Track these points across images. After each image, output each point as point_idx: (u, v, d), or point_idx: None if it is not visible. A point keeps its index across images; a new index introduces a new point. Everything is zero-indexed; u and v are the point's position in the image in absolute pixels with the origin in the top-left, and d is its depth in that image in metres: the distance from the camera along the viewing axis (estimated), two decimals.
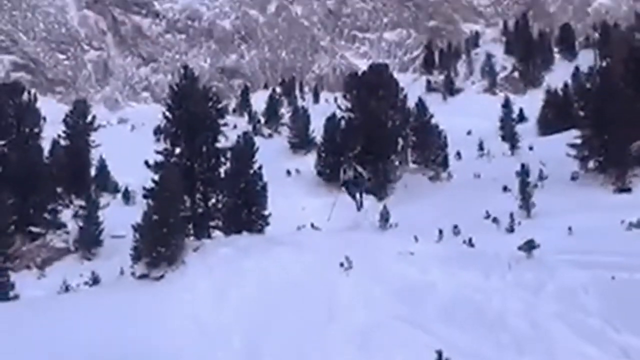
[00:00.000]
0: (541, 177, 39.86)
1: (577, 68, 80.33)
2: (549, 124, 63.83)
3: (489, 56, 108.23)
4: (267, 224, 24.99)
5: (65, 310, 17.68)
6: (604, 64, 52.43)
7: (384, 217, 38.16)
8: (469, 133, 70.07)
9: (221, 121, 26.82)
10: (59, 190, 42.57)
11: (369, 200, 32.49)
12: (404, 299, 16.67)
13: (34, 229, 39.25)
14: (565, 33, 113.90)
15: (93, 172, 53.70)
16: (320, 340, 15.35)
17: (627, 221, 24.63)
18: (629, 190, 36.12)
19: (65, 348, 14.90)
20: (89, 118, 58.03)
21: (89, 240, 37.90)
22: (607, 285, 15.96)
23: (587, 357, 13.52)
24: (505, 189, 38.96)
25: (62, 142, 52.74)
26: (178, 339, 15.78)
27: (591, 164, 39.57)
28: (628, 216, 24.76)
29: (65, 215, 40.81)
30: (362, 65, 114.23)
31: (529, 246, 19.60)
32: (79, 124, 55.79)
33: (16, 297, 25.29)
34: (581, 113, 42.62)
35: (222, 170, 26.23)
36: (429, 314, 15.83)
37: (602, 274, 16.45)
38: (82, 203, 40.51)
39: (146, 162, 24.57)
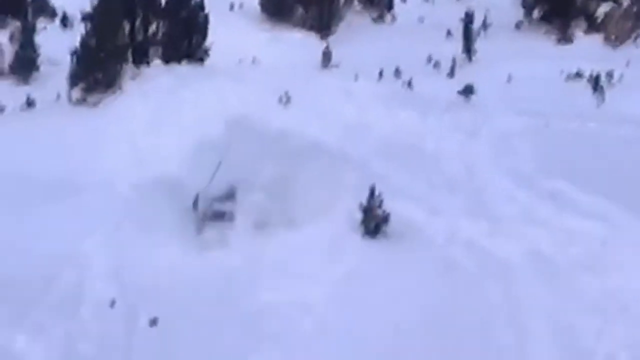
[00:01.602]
0: (485, 24, 39.59)
1: None
2: None
3: None
4: (208, 55, 24.51)
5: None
6: None
7: (326, 56, 37.77)
8: None
9: None
10: None
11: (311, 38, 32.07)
12: (341, 135, 16.73)
13: None
14: None
15: None
16: None
17: (566, 72, 24.79)
18: (570, 41, 36.21)
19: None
20: None
21: (25, 64, 36.88)
22: (541, 132, 16.25)
23: (515, 199, 13.88)
24: (448, 33, 38.69)
25: None
26: (113, 164, 15.69)
27: (536, 14, 39.37)
28: (568, 67, 24.91)
29: (1, 37, 39.54)
30: None
31: (468, 91, 19.76)
32: None
33: None
34: None
35: None
36: (365, 152, 15.97)
37: (537, 122, 16.71)
38: (18, 25, 39.12)
39: None
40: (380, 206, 12.97)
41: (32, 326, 9.34)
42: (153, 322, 10.20)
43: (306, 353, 9.59)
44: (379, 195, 12.97)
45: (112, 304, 10.72)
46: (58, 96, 20.40)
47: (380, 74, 31.30)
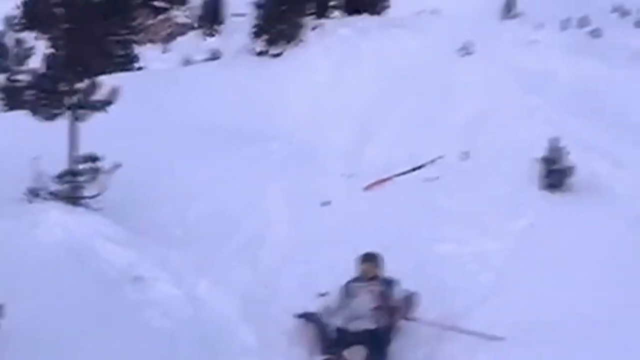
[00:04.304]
0: None
1: None
2: None
3: None
4: (388, 6, 24.46)
5: (186, 81, 18.12)
6: None
7: (508, 5, 37.03)
8: None
9: None
10: None
11: None
12: (523, 86, 16.39)
13: (157, 4, 39.75)
14: None
15: None
16: (433, 126, 15.37)
17: None
18: None
19: (185, 119, 15.37)
20: None
21: (211, 17, 38.20)
22: None
23: None
24: None
25: None
26: (295, 115, 16.06)
27: None
28: None
29: None
30: None
31: None
32: None
33: (140, 69, 26.04)
34: None
35: None
36: (548, 102, 15.58)
37: None
38: None
39: None
40: (563, 158, 12.63)
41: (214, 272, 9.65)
42: None
43: (483, 306, 9.54)
44: (564, 147, 12.63)
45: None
46: (242, 48, 20.96)
47: (565, 23, 30.38)
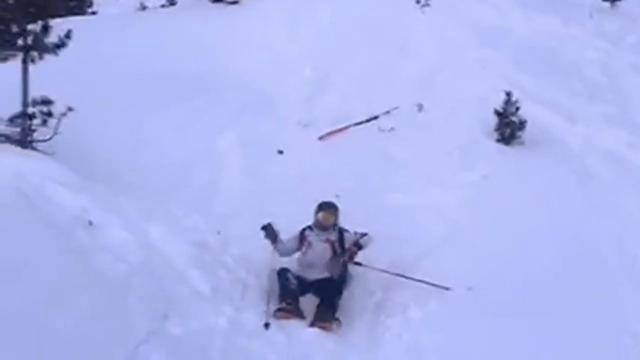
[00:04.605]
0: None
1: None
2: None
3: None
4: None
5: (140, 27, 17.81)
6: None
7: None
8: None
9: None
10: None
11: None
12: (479, 40, 16.42)
13: None
14: None
15: None
16: (389, 77, 15.34)
17: None
18: None
19: (138, 66, 15.10)
20: None
21: None
22: None
23: None
24: None
25: None
26: (251, 64, 15.90)
27: None
28: None
29: None
30: None
31: None
32: None
33: (94, 13, 25.48)
34: None
35: None
36: (503, 57, 15.65)
37: None
38: None
39: None
40: (516, 112, 12.75)
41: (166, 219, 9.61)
42: None
43: (432, 256, 9.68)
44: (516, 101, 12.75)
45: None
46: None
47: None
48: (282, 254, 9.46)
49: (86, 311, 6.84)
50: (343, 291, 9.15)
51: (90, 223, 8.27)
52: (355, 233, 9.42)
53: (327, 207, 9.51)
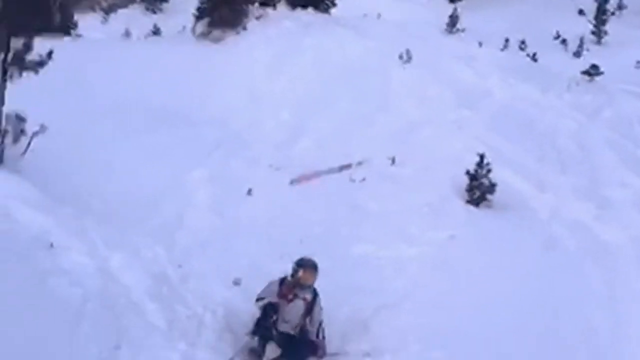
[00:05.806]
0: (620, 6, 38.48)
1: None
2: None
3: None
4: (334, 4, 24.46)
5: (124, 56, 17.82)
6: None
7: (453, 19, 37.42)
8: None
9: None
10: None
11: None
12: (457, 100, 16.60)
13: None
14: None
15: None
16: (366, 128, 15.42)
17: None
18: None
19: (115, 94, 15.05)
20: None
21: None
22: None
23: (628, 185, 13.55)
24: (580, 12, 37.71)
25: None
26: (230, 102, 15.92)
27: None
28: None
29: None
30: None
31: (593, 71, 19.25)
32: None
33: (79, 36, 25.50)
34: None
35: None
36: (479, 118, 15.82)
37: None
38: None
39: None
40: (487, 175, 12.83)
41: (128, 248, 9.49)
42: None
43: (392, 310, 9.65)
44: (488, 163, 12.83)
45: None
46: (183, 28, 20.77)
47: (505, 44, 30.89)
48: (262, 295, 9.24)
49: (37, 332, 6.73)
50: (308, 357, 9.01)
51: (52, 245, 8.16)
52: (321, 309, 9.28)
53: (309, 267, 9.23)
